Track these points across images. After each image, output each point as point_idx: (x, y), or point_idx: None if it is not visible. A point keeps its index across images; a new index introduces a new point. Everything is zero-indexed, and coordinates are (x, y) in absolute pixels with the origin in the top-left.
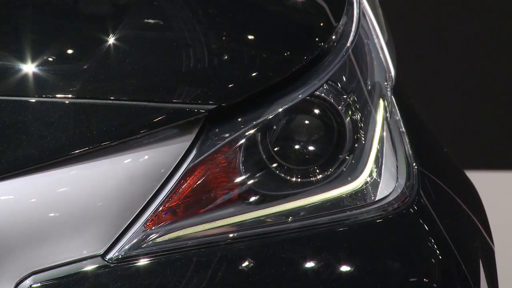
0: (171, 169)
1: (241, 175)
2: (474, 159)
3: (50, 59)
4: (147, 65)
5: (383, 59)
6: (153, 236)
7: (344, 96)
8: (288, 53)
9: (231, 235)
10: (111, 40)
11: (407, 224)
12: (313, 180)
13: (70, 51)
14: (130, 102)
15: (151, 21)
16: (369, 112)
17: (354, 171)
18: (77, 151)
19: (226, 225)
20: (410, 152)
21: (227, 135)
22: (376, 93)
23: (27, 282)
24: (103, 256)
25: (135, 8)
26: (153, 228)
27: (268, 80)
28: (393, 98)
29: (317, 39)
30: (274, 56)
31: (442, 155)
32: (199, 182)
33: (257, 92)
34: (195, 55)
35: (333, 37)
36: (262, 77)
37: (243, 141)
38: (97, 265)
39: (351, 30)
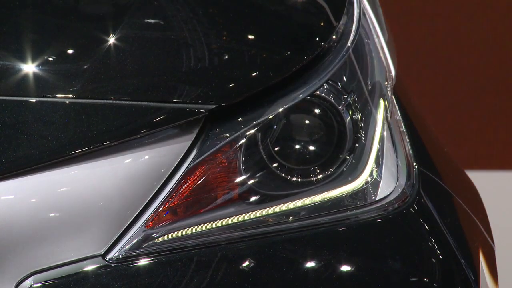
0: (172, 169)
1: (241, 175)
2: (474, 159)
3: (50, 59)
4: (147, 65)
5: (383, 59)
6: (154, 236)
7: (345, 96)
8: (288, 52)
9: (231, 235)
10: (111, 40)
11: (407, 224)
12: (313, 179)
13: (70, 51)
14: (130, 102)
15: (151, 21)
16: (369, 111)
17: (354, 171)
18: (77, 151)
19: (227, 225)
20: (411, 151)
21: (227, 135)
22: (377, 92)
23: (28, 282)
24: (103, 256)
25: (135, 8)
26: (153, 228)
27: (268, 80)
28: (393, 98)
29: (317, 38)
30: (274, 55)
31: (442, 155)
32: (199, 182)
33: (257, 92)
34: (195, 55)
35: (334, 36)
36: (262, 77)
37: (243, 141)
38: (97, 265)
39: (351, 29)
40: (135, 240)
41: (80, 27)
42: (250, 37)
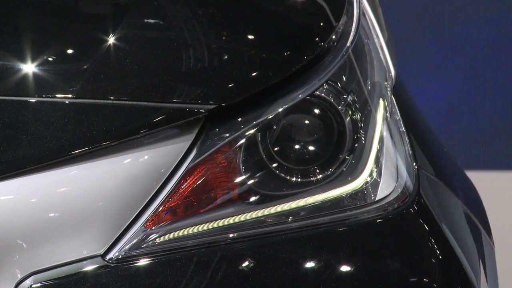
0: (171, 169)
1: (241, 175)
2: (474, 159)
3: (50, 59)
4: (147, 65)
5: (383, 59)
6: (153, 236)
7: (344, 96)
8: (288, 52)
9: (231, 235)
10: (111, 40)
11: (407, 224)
12: (313, 180)
13: (70, 51)
14: (130, 102)
15: (151, 21)
16: (369, 112)
17: (354, 171)
18: (77, 151)
19: (226, 225)
20: (410, 152)
21: (227, 135)
22: (376, 93)
23: (27, 282)
24: (103, 256)
25: (135, 8)
26: (153, 228)
27: (268, 79)
28: (393, 98)
29: (317, 38)
30: (274, 55)
31: (442, 155)
32: (199, 182)
33: (257, 92)
34: (195, 55)
35: (333, 36)
36: (262, 76)
37: (243, 141)
38: (97, 265)
39: (351, 30)
40: (135, 240)
41: (80, 27)
42: (250, 37)
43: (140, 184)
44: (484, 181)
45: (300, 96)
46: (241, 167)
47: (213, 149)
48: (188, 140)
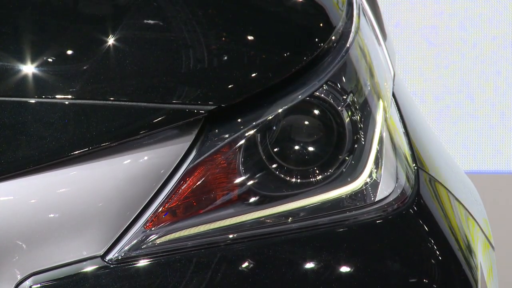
0: (171, 169)
1: (240, 176)
2: (474, 159)
3: (49, 59)
4: (146, 66)
5: (382, 59)
6: (153, 237)
7: (344, 97)
8: (288, 53)
9: (231, 236)
10: (111, 40)
11: (406, 225)
12: (312, 180)
13: (69, 52)
14: (129, 103)
15: (150, 21)
16: (368, 112)
17: (354, 172)
18: (76, 152)
19: (226, 225)
20: (410, 152)
21: (226, 135)
22: (376, 93)
23: (27, 283)
24: (103, 257)
25: (134, 9)
26: (153, 229)
27: (267, 80)
28: (393, 98)
29: (316, 39)
30: (274, 56)
31: (442, 155)
32: (199, 182)
33: (256, 93)
34: (195, 56)
35: (333, 37)
36: (262, 77)
37: (242, 141)
38: (97, 266)
39: (350, 30)
40: (135, 241)
41: (80, 27)
42: (250, 37)
43: (140, 185)
44: (483, 182)
45: (299, 97)
46: (240, 168)
47: (212, 150)
48: (187, 141)
